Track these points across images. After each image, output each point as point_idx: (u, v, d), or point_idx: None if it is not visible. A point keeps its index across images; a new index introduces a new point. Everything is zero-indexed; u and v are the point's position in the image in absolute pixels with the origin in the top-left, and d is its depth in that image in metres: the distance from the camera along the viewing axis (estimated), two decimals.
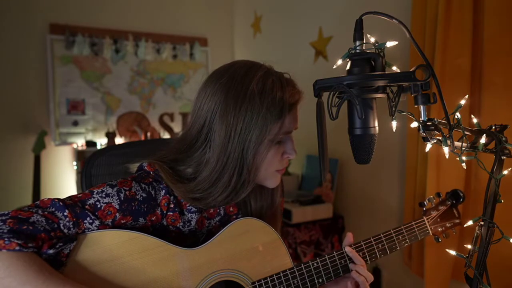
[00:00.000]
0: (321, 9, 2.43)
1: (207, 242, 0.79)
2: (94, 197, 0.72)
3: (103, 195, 0.73)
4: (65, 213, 0.68)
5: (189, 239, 0.83)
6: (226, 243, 0.81)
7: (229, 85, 0.77)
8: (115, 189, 0.74)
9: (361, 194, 2.18)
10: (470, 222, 0.68)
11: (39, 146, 2.71)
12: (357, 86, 0.55)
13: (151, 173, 0.81)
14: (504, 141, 0.60)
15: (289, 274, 0.83)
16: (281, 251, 0.86)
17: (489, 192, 0.60)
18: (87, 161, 1.04)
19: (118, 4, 3.09)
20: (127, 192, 0.74)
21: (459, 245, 1.52)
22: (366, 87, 0.56)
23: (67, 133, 2.94)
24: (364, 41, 0.58)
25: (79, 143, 2.96)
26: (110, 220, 0.72)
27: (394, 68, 0.61)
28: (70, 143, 2.96)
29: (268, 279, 0.82)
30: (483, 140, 0.61)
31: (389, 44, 0.57)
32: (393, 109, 0.60)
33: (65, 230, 0.67)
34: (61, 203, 0.68)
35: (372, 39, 0.59)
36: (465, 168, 0.62)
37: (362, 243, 0.91)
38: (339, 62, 0.61)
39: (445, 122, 0.58)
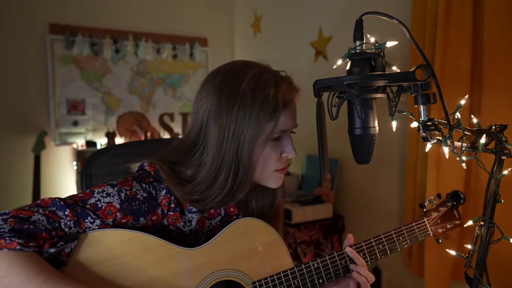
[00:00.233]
0: (321, 9, 2.43)
1: (207, 242, 0.79)
2: (95, 197, 0.72)
3: (104, 195, 0.73)
4: (66, 212, 0.68)
5: (189, 239, 0.83)
6: (226, 243, 0.81)
7: (222, 85, 0.77)
8: (115, 188, 0.74)
9: (361, 194, 2.18)
10: (470, 222, 0.68)
11: (39, 146, 2.71)
12: (357, 86, 0.55)
13: (152, 173, 0.81)
14: (504, 141, 0.60)
15: (289, 274, 0.83)
16: (282, 251, 0.86)
17: (489, 192, 0.60)
18: (87, 161, 1.04)
19: (118, 4, 3.09)
20: (127, 192, 0.74)
21: (459, 245, 1.52)
22: (366, 87, 0.56)
23: (67, 133, 2.94)
24: (364, 41, 0.58)
25: (79, 143, 2.96)
26: (111, 220, 0.72)
27: (394, 68, 0.61)
28: (70, 143, 2.96)
29: (269, 279, 0.82)
30: (483, 140, 0.61)
31: (389, 44, 0.57)
32: (393, 109, 0.60)
33: (66, 229, 0.67)
34: (62, 202, 0.68)
35: (372, 39, 0.58)
36: (465, 168, 0.62)
37: (363, 244, 0.91)
38: (339, 62, 0.61)
39: (445, 122, 0.58)
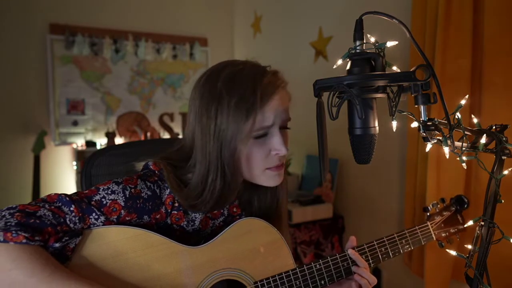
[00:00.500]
0: (321, 9, 2.43)
1: (210, 241, 0.79)
2: (100, 194, 0.73)
3: (109, 192, 0.73)
4: (71, 208, 0.68)
5: (192, 238, 0.83)
6: (229, 242, 0.81)
7: (204, 87, 0.78)
8: (120, 186, 0.75)
9: (361, 194, 2.18)
10: (470, 222, 0.68)
11: (39, 146, 2.71)
12: (357, 86, 0.55)
13: (157, 172, 0.81)
14: (505, 141, 0.60)
15: (291, 275, 0.83)
16: (284, 252, 0.86)
17: (490, 192, 0.60)
18: (87, 161, 1.04)
19: (118, 4, 3.09)
20: (132, 190, 0.75)
21: (460, 245, 1.52)
22: (366, 87, 0.56)
23: (67, 133, 2.94)
24: (364, 41, 0.58)
25: (79, 143, 2.96)
26: (115, 217, 0.73)
27: (394, 68, 0.61)
28: (70, 143, 2.96)
29: (271, 279, 0.82)
30: (483, 140, 0.61)
31: (389, 44, 0.57)
32: (393, 109, 0.59)
33: (71, 225, 0.68)
34: (67, 198, 0.69)
35: (372, 39, 0.58)
36: (465, 168, 0.62)
37: (365, 246, 0.91)
38: (339, 62, 0.61)
39: (446, 122, 0.58)
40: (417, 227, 0.98)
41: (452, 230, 1.01)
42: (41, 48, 2.84)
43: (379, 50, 0.58)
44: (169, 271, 0.75)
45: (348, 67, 0.58)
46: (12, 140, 2.78)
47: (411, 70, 0.53)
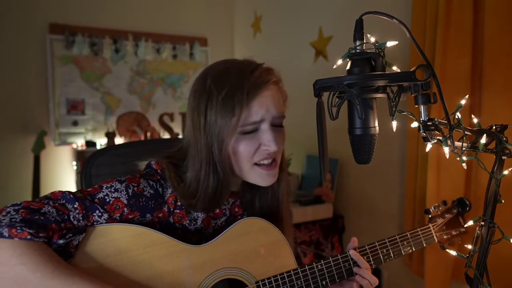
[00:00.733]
0: (321, 9, 2.43)
1: (212, 240, 0.80)
2: (103, 192, 0.74)
3: (112, 190, 0.74)
4: (75, 205, 0.69)
5: (194, 237, 0.84)
6: (231, 241, 0.81)
7: (196, 84, 0.81)
8: (123, 184, 0.76)
9: (361, 194, 2.18)
10: (470, 222, 0.68)
11: (39, 146, 2.71)
12: (357, 86, 0.55)
13: (159, 171, 0.82)
14: (505, 141, 0.60)
15: (293, 275, 0.83)
16: (285, 252, 0.86)
17: (490, 192, 0.60)
18: (87, 161, 1.04)
19: (118, 4, 3.09)
20: (135, 188, 0.76)
21: (460, 245, 1.52)
22: (366, 87, 0.56)
23: (67, 133, 2.94)
24: (364, 41, 0.58)
25: (79, 143, 2.96)
26: (118, 215, 0.74)
27: (394, 68, 0.61)
28: (70, 143, 2.96)
29: (272, 279, 0.82)
30: (483, 140, 0.61)
31: (389, 44, 0.57)
32: (393, 109, 0.59)
33: (75, 222, 0.69)
34: (71, 196, 0.70)
35: (372, 39, 0.58)
36: (465, 168, 0.62)
37: (367, 247, 0.91)
38: (339, 62, 0.61)
39: (446, 122, 0.58)
40: (418, 229, 0.97)
41: (454, 233, 1.01)
42: (41, 48, 2.84)
43: (379, 50, 0.58)
44: (171, 269, 0.75)
45: (348, 67, 0.58)
46: (12, 140, 2.78)
47: (411, 70, 0.53)
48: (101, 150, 1.08)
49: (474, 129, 0.63)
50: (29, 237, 0.61)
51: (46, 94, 2.87)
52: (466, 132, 0.60)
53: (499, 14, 1.35)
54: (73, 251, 0.68)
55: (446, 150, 0.60)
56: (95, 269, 0.70)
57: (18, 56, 2.77)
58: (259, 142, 0.79)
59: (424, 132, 0.58)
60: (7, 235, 0.60)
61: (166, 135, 3.32)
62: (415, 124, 0.60)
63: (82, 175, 1.03)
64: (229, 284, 0.82)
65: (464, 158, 0.59)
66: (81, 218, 0.70)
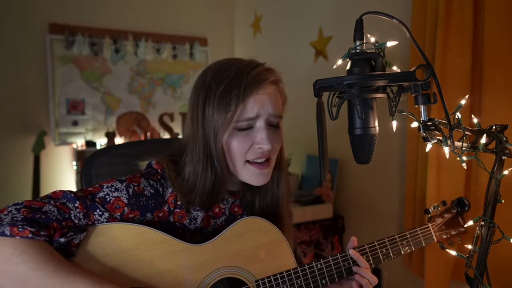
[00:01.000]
0: (321, 9, 2.43)
1: (212, 239, 0.80)
2: (104, 191, 0.74)
3: (113, 189, 0.75)
4: (76, 204, 0.70)
5: (194, 236, 0.84)
6: (231, 240, 0.81)
7: (198, 80, 0.82)
8: (124, 184, 0.76)
9: (361, 194, 2.18)
10: (470, 222, 0.68)
11: (39, 146, 2.71)
12: (357, 86, 0.55)
13: (159, 171, 0.83)
14: (505, 141, 0.60)
15: (292, 274, 0.83)
16: (285, 251, 0.86)
17: (490, 192, 0.60)
18: (87, 161, 1.04)
19: (118, 4, 3.09)
20: (135, 188, 0.77)
21: (460, 245, 1.52)
22: (366, 87, 0.56)
23: (67, 133, 2.94)
24: (364, 41, 0.58)
25: (79, 143, 2.96)
26: (119, 214, 0.74)
27: (394, 68, 0.61)
28: (70, 143, 2.96)
29: (272, 278, 0.82)
30: (483, 140, 0.61)
31: (389, 44, 0.57)
32: (393, 109, 0.59)
33: (76, 221, 0.69)
34: (72, 195, 0.71)
35: (372, 39, 0.58)
36: (465, 168, 0.62)
37: (366, 247, 0.91)
38: (339, 62, 0.61)
39: (446, 122, 0.58)
40: (418, 229, 0.98)
41: (453, 232, 1.01)
42: (41, 48, 2.84)
43: (379, 50, 0.58)
44: (172, 268, 0.76)
45: (348, 67, 0.58)
46: (12, 140, 2.78)
47: (411, 70, 0.53)
48: (101, 150, 1.08)
49: (474, 129, 0.63)
50: (30, 235, 0.62)
51: (46, 94, 2.87)
52: (466, 132, 0.60)
53: (499, 14, 1.35)
54: (74, 249, 0.69)
55: (446, 150, 0.60)
56: (96, 268, 0.70)
57: (18, 56, 2.77)
58: (253, 140, 0.79)
59: (424, 132, 0.58)
60: (8, 234, 0.61)
61: (166, 135, 3.32)
62: (415, 124, 0.60)
63: (82, 175, 1.03)
64: (229, 283, 0.83)
65: (464, 158, 0.59)
66: (82, 217, 0.70)
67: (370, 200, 2.12)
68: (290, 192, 1.02)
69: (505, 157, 0.60)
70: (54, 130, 2.90)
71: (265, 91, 0.78)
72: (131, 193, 0.76)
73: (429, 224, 1.00)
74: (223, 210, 0.89)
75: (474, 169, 1.51)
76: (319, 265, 0.86)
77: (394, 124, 0.62)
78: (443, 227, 1.01)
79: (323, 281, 0.85)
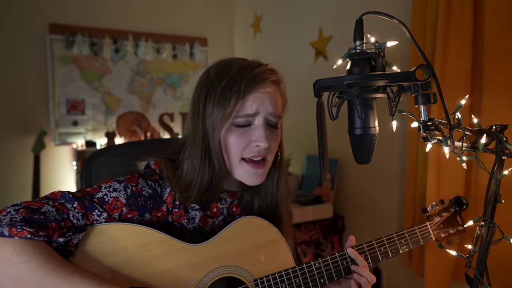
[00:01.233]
0: (321, 9, 2.43)
1: (211, 239, 0.80)
2: (102, 191, 0.75)
3: (111, 190, 0.75)
4: (75, 205, 0.70)
5: (193, 236, 0.84)
6: (229, 240, 0.81)
7: (201, 77, 0.83)
8: (122, 184, 0.77)
9: (361, 194, 2.18)
10: (470, 222, 0.68)
11: (39, 146, 2.71)
12: (357, 86, 0.55)
13: (157, 171, 0.83)
14: (505, 141, 0.60)
15: (291, 273, 0.83)
16: (284, 251, 0.86)
17: (490, 192, 0.60)
18: (87, 161, 1.04)
19: (118, 4, 3.09)
20: (133, 188, 0.77)
21: (460, 245, 1.52)
22: (366, 87, 0.56)
23: (67, 133, 2.94)
24: (364, 41, 0.58)
25: (79, 143, 2.96)
26: (117, 214, 0.74)
27: (394, 68, 0.61)
28: (70, 143, 2.96)
29: (270, 277, 0.82)
30: (483, 140, 0.61)
31: (389, 44, 0.57)
32: (393, 109, 0.59)
33: (74, 221, 0.70)
34: (71, 195, 0.71)
35: (372, 39, 0.58)
36: (465, 168, 0.62)
37: (364, 246, 0.91)
38: (339, 62, 0.61)
39: (446, 122, 0.58)
40: (416, 227, 0.98)
41: (451, 231, 1.02)
42: (41, 48, 2.84)
43: (379, 50, 0.58)
44: (170, 268, 0.76)
45: (348, 67, 0.58)
46: (12, 140, 2.78)
47: (411, 70, 0.53)
48: (101, 150, 1.08)
49: (474, 129, 0.63)
50: (29, 236, 0.62)
51: (46, 94, 2.87)
52: (466, 132, 0.60)
53: (499, 14, 1.35)
54: (73, 249, 0.69)
55: (446, 150, 0.60)
56: (95, 268, 0.70)
57: (18, 56, 2.77)
58: (250, 137, 0.80)
59: (424, 132, 0.58)
60: (7, 234, 0.61)
61: (166, 135, 3.32)
62: (415, 124, 0.60)
63: (82, 175, 1.03)
64: (228, 282, 0.83)
65: (464, 158, 0.59)
66: (80, 217, 0.70)
67: (370, 200, 2.12)
68: (290, 192, 1.02)
69: (505, 157, 0.60)
70: (54, 130, 2.90)
71: (266, 90, 0.79)
72: (129, 194, 0.76)
73: (427, 223, 1.00)
74: (221, 210, 0.89)
75: (474, 169, 1.51)
76: (317, 264, 0.86)
77: (394, 124, 0.62)
78: (441, 225, 1.01)
79: (322, 280, 0.85)
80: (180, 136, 3.26)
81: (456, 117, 0.59)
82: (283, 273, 0.83)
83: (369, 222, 2.12)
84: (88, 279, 0.65)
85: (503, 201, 0.60)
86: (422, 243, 0.97)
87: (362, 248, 0.91)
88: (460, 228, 1.02)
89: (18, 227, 0.62)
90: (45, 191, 2.78)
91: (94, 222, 0.72)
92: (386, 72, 0.55)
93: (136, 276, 0.73)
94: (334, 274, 0.87)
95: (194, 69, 3.39)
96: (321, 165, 0.56)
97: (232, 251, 0.81)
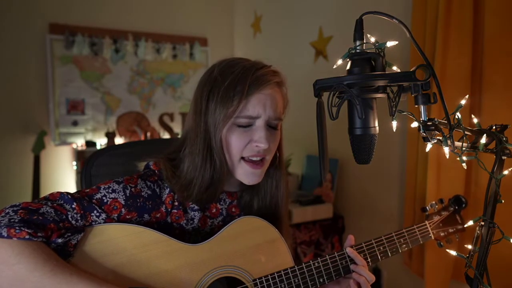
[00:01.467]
0: (321, 9, 2.43)
1: (210, 239, 0.80)
2: (101, 192, 0.75)
3: (110, 191, 0.75)
4: (73, 206, 0.70)
5: (192, 237, 0.84)
6: (228, 240, 0.81)
7: (204, 75, 0.83)
8: (121, 185, 0.77)
9: (361, 194, 2.18)
10: (470, 222, 0.68)
11: (39, 146, 2.71)
12: (357, 86, 0.55)
13: (156, 171, 0.83)
14: (505, 141, 0.60)
15: (290, 273, 0.83)
16: (283, 250, 0.86)
17: (490, 192, 0.60)
18: (87, 161, 1.04)
19: (118, 4, 3.09)
20: (132, 189, 0.77)
21: (460, 245, 1.52)
22: (366, 87, 0.56)
23: (67, 133, 2.94)
24: (364, 41, 0.58)
25: (79, 143, 2.96)
26: (116, 215, 0.75)
27: (394, 68, 0.61)
28: (70, 143, 2.96)
29: (269, 276, 0.82)
30: (483, 140, 0.61)
31: (389, 44, 0.57)
32: (393, 109, 0.59)
33: (73, 222, 0.70)
34: (69, 196, 0.71)
35: (372, 39, 0.58)
36: (465, 168, 0.62)
37: (363, 245, 0.91)
38: (339, 62, 0.61)
39: (446, 122, 0.58)
40: (415, 226, 0.98)
41: (450, 230, 1.02)
42: (41, 48, 2.84)
43: (379, 50, 0.58)
44: (169, 268, 0.76)
45: (348, 67, 0.58)
46: (12, 140, 2.78)
47: (411, 70, 0.53)
48: (101, 150, 1.08)
49: (474, 129, 0.63)
50: (27, 236, 0.62)
51: (46, 94, 2.87)
52: (466, 132, 0.60)
53: (499, 14, 1.35)
54: (71, 250, 0.69)
55: (446, 150, 0.60)
56: (93, 268, 0.70)
57: (18, 56, 2.77)
58: (251, 137, 0.80)
59: (424, 132, 0.58)
60: (6, 235, 0.61)
61: (166, 135, 3.32)
62: (415, 124, 0.60)
63: (82, 175, 1.03)
64: (227, 282, 0.83)
65: (464, 158, 0.59)
66: (79, 218, 0.70)
67: (370, 200, 2.12)
68: (289, 193, 1.02)
69: (505, 157, 0.60)
70: (54, 130, 2.90)
71: (268, 92, 0.80)
72: (128, 195, 0.76)
73: (427, 222, 1.00)
74: (220, 211, 0.89)
75: (474, 169, 1.51)
76: (316, 264, 0.86)
77: (394, 124, 0.62)
78: (441, 224, 1.01)
79: (321, 280, 0.85)
80: (180, 136, 3.26)
81: (456, 117, 0.59)
82: (282, 273, 0.83)
83: (369, 222, 2.12)
84: (86, 280, 0.65)
85: (503, 201, 0.60)
86: (421, 242, 0.98)
87: (361, 248, 0.91)
88: (460, 227, 1.02)
89: (17, 228, 0.62)
90: (45, 191, 2.78)
91: (93, 223, 0.72)
92: (386, 72, 0.55)
93: (135, 276, 0.73)
94: (333, 274, 0.87)
95: (194, 69, 3.39)
96: (321, 165, 0.56)
97: (231, 251, 0.81)
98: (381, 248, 0.92)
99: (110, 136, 2.96)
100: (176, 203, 0.81)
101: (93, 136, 3.02)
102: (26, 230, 0.62)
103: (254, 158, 0.82)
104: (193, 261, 0.78)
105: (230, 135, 0.79)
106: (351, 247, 0.90)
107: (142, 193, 0.78)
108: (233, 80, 0.77)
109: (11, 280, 0.60)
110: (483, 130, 0.62)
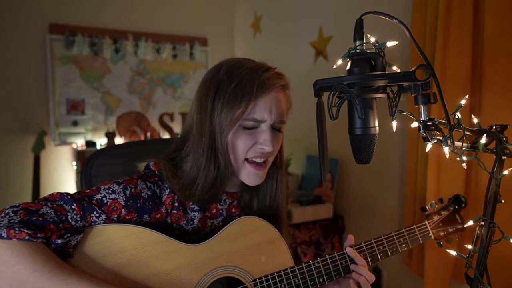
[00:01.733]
0: (321, 9, 2.43)
1: (210, 239, 0.80)
2: (101, 193, 0.75)
3: (110, 191, 0.75)
4: (73, 207, 0.70)
5: (192, 237, 0.84)
6: (228, 240, 0.81)
7: (209, 74, 0.83)
8: (121, 186, 0.77)
9: (361, 194, 2.18)
10: (470, 222, 0.68)
11: (39, 146, 2.71)
12: (357, 86, 0.55)
13: (157, 172, 0.83)
14: (505, 141, 0.60)
15: (290, 273, 0.83)
16: (282, 250, 0.86)
17: (490, 192, 0.60)
18: (87, 161, 1.04)
19: (118, 4, 3.09)
20: (132, 190, 0.77)
21: (460, 245, 1.52)
22: (366, 87, 0.56)
23: (67, 133, 2.94)
24: (364, 41, 0.58)
25: (79, 143, 2.96)
26: (116, 216, 0.74)
27: (394, 68, 0.61)
28: (70, 143, 2.96)
29: (269, 277, 0.82)
30: (483, 140, 0.61)
31: (389, 44, 0.57)
32: (393, 109, 0.59)
33: (73, 223, 0.70)
34: (69, 197, 0.71)
35: (372, 39, 0.58)
36: (465, 168, 0.62)
37: (363, 245, 0.91)
38: (339, 62, 0.61)
39: (446, 122, 0.58)
40: (415, 226, 0.98)
41: (450, 230, 1.02)
42: (41, 48, 2.84)
43: (379, 50, 0.57)
44: (169, 268, 0.76)
45: (348, 67, 0.58)
46: (12, 140, 2.78)
47: (411, 70, 0.53)
48: (101, 150, 1.08)
49: (474, 129, 0.63)
50: (27, 237, 0.62)
51: (46, 94, 2.87)
52: (466, 132, 0.60)
53: (499, 14, 1.35)
54: (71, 251, 0.69)
55: (446, 150, 0.60)
56: (93, 269, 0.70)
57: (18, 56, 2.77)
58: (256, 140, 0.80)
59: (424, 132, 0.58)
60: (5, 236, 0.61)
61: (166, 135, 3.32)
62: (415, 124, 0.60)
63: (82, 175, 1.03)
64: (227, 282, 0.83)
65: (464, 158, 0.59)
66: (79, 219, 0.70)
67: (370, 200, 2.12)
68: (289, 193, 1.02)
69: (505, 157, 0.60)
70: (54, 130, 2.90)
71: (275, 95, 0.80)
72: (128, 195, 0.76)
73: (426, 221, 1.00)
74: (220, 211, 0.89)
75: (474, 169, 1.51)
76: (316, 264, 0.86)
77: (394, 124, 0.62)
78: (440, 224, 1.01)
79: (321, 280, 0.85)
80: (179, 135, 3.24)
81: (456, 117, 0.59)
82: (282, 273, 0.83)
83: (369, 222, 2.12)
84: (86, 280, 0.65)
85: (503, 201, 0.60)
86: (421, 242, 0.98)
87: (361, 247, 0.91)
88: (459, 226, 1.02)
89: (16, 228, 0.62)
90: (45, 191, 2.78)
91: (93, 224, 0.72)
92: (386, 72, 0.55)
93: (135, 277, 0.73)
94: (333, 274, 0.87)
95: (194, 69, 3.39)
96: (321, 165, 0.56)
97: (231, 251, 0.81)
98: (381, 248, 0.92)
99: (110, 136, 2.96)
100: (176, 204, 0.81)
101: (93, 136, 3.02)
102: (25, 231, 0.62)
103: (258, 160, 0.82)
104: (193, 261, 0.78)
105: (236, 137, 0.79)
106: (351, 247, 0.90)
107: (142, 194, 0.78)
108: (240, 82, 0.77)
109: (10, 280, 0.60)
110: (483, 130, 0.62)
